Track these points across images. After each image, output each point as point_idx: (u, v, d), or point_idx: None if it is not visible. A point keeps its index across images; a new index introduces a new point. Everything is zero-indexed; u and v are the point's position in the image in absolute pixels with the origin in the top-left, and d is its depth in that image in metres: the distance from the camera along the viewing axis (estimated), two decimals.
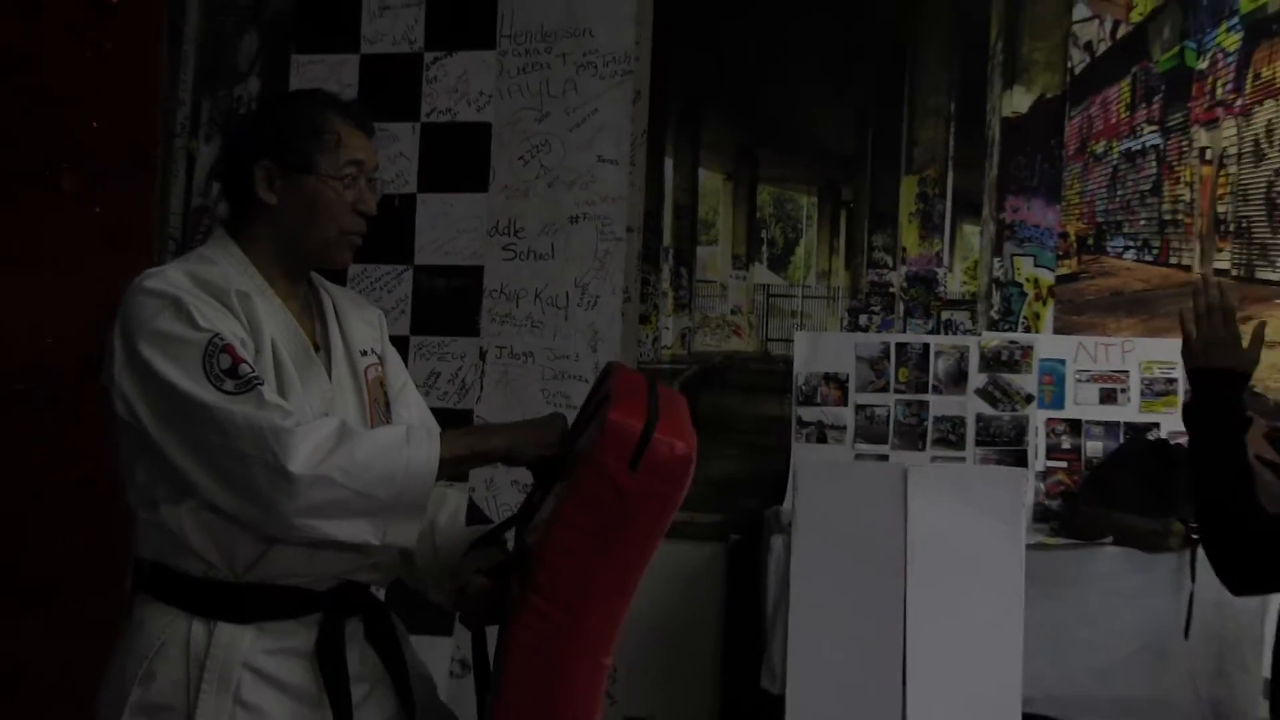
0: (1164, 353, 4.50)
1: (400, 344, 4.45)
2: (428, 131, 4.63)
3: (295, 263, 2.32)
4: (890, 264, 4.82)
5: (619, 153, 4.59)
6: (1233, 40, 4.63)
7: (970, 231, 4.74)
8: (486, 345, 4.66)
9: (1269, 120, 4.63)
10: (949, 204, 4.76)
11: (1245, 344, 2.23)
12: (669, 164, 4.84)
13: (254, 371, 2.09)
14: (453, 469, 2.19)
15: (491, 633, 2.29)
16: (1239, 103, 4.65)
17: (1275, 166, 4.67)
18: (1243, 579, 2.21)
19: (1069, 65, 4.69)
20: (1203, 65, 4.63)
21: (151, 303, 2.10)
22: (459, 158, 4.65)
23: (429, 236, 4.69)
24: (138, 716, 2.13)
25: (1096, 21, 4.72)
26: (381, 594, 2.62)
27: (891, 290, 4.82)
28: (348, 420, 2.18)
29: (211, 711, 2.10)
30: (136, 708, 2.12)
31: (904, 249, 4.78)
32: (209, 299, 2.14)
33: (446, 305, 4.66)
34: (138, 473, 2.20)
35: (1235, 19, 4.62)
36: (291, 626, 2.19)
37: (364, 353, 2.39)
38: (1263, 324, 2.36)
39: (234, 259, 2.24)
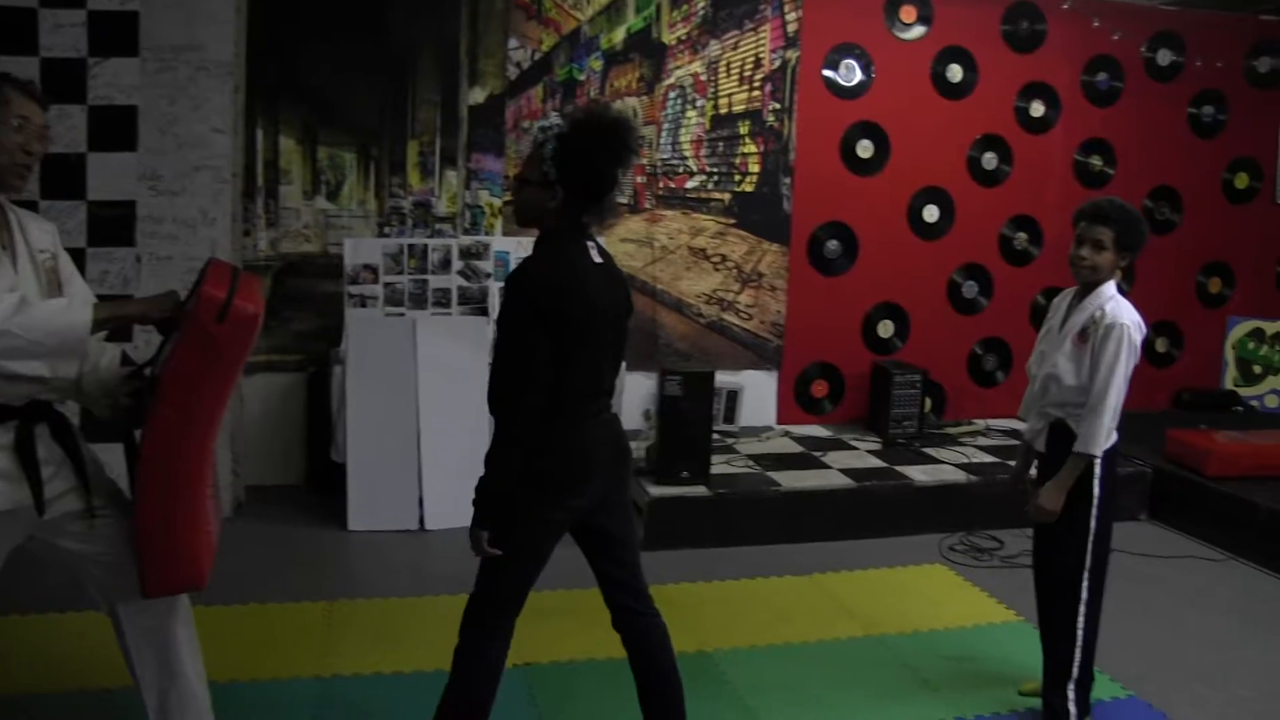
0: None
1: (79, 253, 4.79)
2: (93, 112, 4.94)
3: None
4: (403, 195, 5.65)
5: (226, 125, 5.06)
6: (598, 64, 5.74)
7: (451, 175, 5.63)
8: (141, 253, 4.93)
9: (618, 109, 5.44)
10: (438, 158, 5.65)
11: None
12: (259, 133, 5.43)
13: None
14: (103, 327, 2.42)
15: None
16: (603, 100, 5.73)
17: None
18: None
19: (507, 75, 5.65)
20: (582, 78, 5.74)
21: None
22: (116, 129, 5.04)
23: (97, 181, 4.91)
24: None
25: (523, 49, 5.65)
26: (75, 414, 2.75)
27: (404, 211, 5.66)
28: (28, 295, 2.37)
29: None
30: None
31: (411, 186, 5.64)
32: None
33: (112, 226, 4.93)
34: None
35: (599, 52, 5.73)
36: None
37: (41, 251, 2.59)
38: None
39: None
